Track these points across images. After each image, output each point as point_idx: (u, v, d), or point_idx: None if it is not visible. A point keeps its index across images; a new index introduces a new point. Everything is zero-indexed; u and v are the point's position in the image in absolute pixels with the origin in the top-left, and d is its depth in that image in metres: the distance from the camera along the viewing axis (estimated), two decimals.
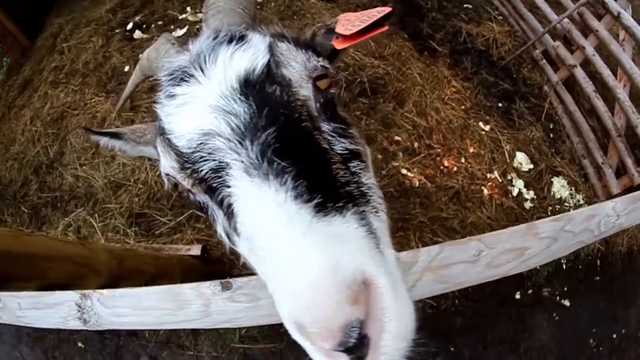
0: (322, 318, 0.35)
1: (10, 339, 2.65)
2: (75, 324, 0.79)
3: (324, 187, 0.44)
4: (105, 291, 0.76)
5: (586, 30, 2.94)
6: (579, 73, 2.91)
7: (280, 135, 0.46)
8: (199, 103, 0.50)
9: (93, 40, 3.61)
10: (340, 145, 0.53)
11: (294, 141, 0.47)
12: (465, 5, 3.58)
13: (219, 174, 0.47)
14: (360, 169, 0.52)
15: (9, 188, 3.13)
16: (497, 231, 0.64)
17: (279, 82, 0.51)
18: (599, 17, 2.88)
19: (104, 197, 2.77)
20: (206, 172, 0.48)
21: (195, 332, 2.40)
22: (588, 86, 2.83)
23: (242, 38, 0.55)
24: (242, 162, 0.45)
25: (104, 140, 0.81)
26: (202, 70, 0.52)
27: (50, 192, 2.95)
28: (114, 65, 3.34)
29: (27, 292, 0.87)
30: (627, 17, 2.68)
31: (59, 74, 3.61)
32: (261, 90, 0.50)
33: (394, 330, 0.36)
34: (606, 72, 2.73)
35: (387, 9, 0.54)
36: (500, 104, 3.02)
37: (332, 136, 0.53)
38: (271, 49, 0.53)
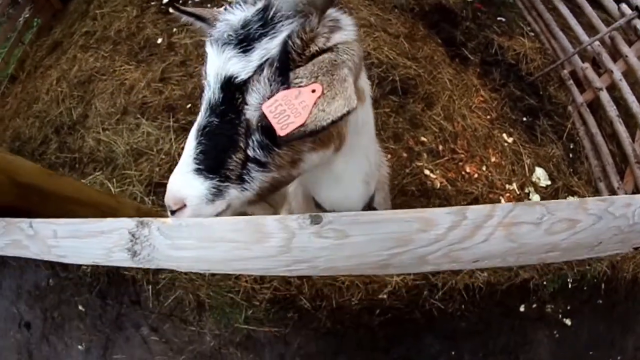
0: (166, 200, 0.68)
1: (9, 294, 2.66)
2: (120, 257, 0.70)
3: (212, 162, 0.67)
4: (168, 219, 0.68)
5: (616, 55, 2.95)
6: (604, 96, 2.92)
7: (216, 124, 0.67)
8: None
9: (127, 10, 3.64)
10: (253, 152, 0.68)
11: (220, 130, 0.66)
12: (499, 18, 3.60)
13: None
14: (255, 170, 0.70)
15: (28, 145, 3.14)
16: (556, 200, 0.72)
17: (243, 94, 0.64)
18: (630, 43, 2.88)
19: (124, 163, 2.78)
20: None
21: (200, 307, 2.42)
22: (612, 110, 2.84)
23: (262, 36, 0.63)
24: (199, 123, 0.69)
25: (186, 19, 0.81)
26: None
27: (70, 153, 2.96)
28: (147, 36, 3.36)
29: (67, 219, 0.77)
30: None
31: (89, 39, 3.63)
32: (229, 89, 0.65)
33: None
34: (631, 98, 2.73)
35: (318, 90, 0.56)
36: (524, 119, 3.05)
37: (254, 144, 0.68)
38: (260, 67, 0.62)
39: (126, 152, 2.82)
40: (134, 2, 3.68)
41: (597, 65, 3.15)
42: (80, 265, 2.55)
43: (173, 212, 0.68)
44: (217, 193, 0.67)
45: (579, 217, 0.70)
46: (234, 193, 0.69)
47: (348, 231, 0.63)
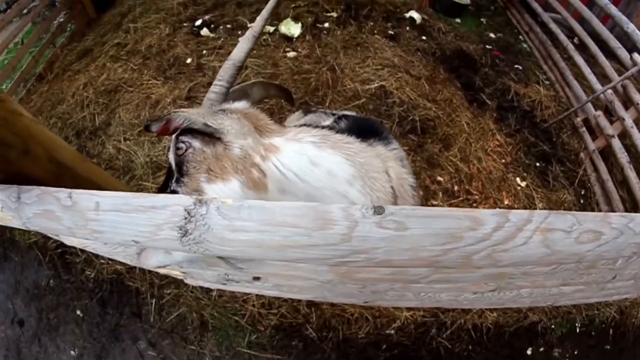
0: None
1: (6, 288, 2.61)
2: (167, 236, 0.65)
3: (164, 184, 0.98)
4: (229, 200, 0.65)
5: (627, 103, 3.02)
6: (616, 143, 2.97)
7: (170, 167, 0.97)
8: None
9: (160, 27, 3.77)
10: (174, 180, 0.94)
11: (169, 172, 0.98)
12: (516, 66, 3.73)
13: None
14: (174, 187, 0.93)
15: None
16: (583, 212, 0.73)
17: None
18: None
19: (142, 174, 2.80)
20: None
21: (203, 326, 2.39)
22: (623, 157, 2.88)
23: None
24: None
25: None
26: None
27: (88, 157, 2.99)
28: (177, 54, 3.47)
29: (113, 192, 0.72)
30: None
31: (120, 50, 3.73)
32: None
33: None
34: None
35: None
36: (537, 164, 3.11)
37: (176, 174, 0.93)
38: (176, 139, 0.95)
39: (145, 163, 2.85)
40: (167, 21, 3.83)
41: (609, 113, 3.21)
42: (84, 270, 2.55)
43: None
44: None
45: (603, 230, 0.74)
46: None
47: (407, 223, 0.64)
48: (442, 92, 3.09)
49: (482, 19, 4.42)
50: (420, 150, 2.68)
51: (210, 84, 3.21)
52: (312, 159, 0.90)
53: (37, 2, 4.63)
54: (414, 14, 3.86)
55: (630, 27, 3.16)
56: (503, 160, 2.96)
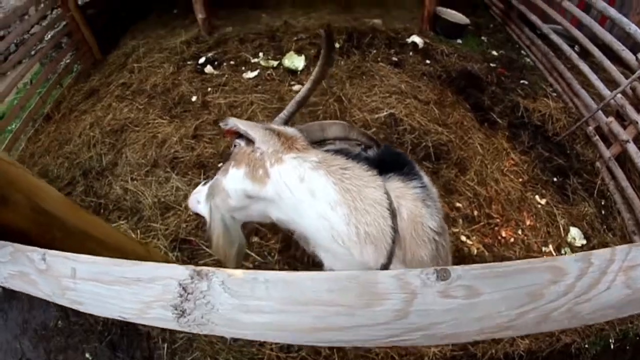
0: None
1: (14, 327, 2.51)
2: (160, 316, 0.53)
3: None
4: (239, 271, 0.52)
5: (639, 105, 2.93)
6: (632, 148, 2.89)
7: None
8: None
9: (164, 66, 3.82)
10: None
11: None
12: (522, 81, 3.70)
13: None
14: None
15: (54, 184, 3.11)
16: None
17: None
18: None
19: (150, 215, 2.75)
20: None
21: None
22: None
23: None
24: None
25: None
26: None
27: (95, 198, 2.93)
28: (182, 93, 3.49)
29: (92, 256, 0.61)
30: None
31: (125, 90, 3.78)
32: None
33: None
34: None
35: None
36: (555, 179, 3.04)
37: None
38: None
39: (153, 204, 2.80)
40: (171, 60, 3.88)
41: (621, 117, 3.14)
42: None
43: None
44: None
45: None
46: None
47: (479, 287, 0.53)
48: (452, 115, 3.05)
49: (482, 38, 4.45)
50: (436, 177, 2.62)
51: (216, 121, 3.20)
52: (301, 176, 1.02)
53: (44, 43, 4.85)
54: (415, 39, 3.89)
55: (632, 27, 3.09)
56: (520, 179, 2.87)
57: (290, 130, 1.17)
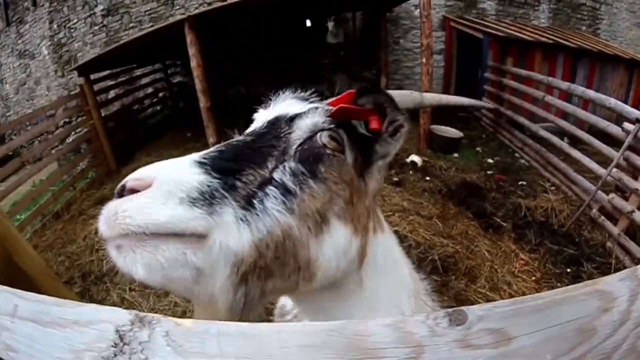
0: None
1: None
2: None
3: (223, 163, 0.55)
4: (188, 321, 0.42)
5: (635, 172, 3.08)
6: (638, 216, 2.97)
7: (248, 140, 0.63)
8: (257, 120, 0.73)
9: None
10: (281, 175, 0.58)
11: (250, 145, 0.61)
12: (520, 183, 4.11)
13: None
14: (273, 199, 0.55)
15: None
16: None
17: (290, 123, 0.66)
18: None
19: None
20: None
21: None
22: None
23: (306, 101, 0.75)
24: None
25: None
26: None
27: (90, 302, 2.72)
28: None
29: (38, 294, 0.52)
30: None
31: None
32: (277, 122, 0.67)
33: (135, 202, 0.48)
34: None
35: (351, 92, 0.68)
36: (568, 269, 3.13)
37: (286, 169, 0.59)
38: (306, 111, 0.68)
39: None
40: None
41: (621, 191, 3.28)
42: None
43: (120, 194, 0.49)
44: (208, 198, 0.49)
45: None
46: (228, 216, 0.50)
47: (510, 329, 0.40)
48: (456, 226, 3.38)
49: (477, 148, 5.05)
50: (446, 290, 2.79)
51: None
52: (396, 256, 0.79)
53: (64, 145, 5.40)
54: (414, 158, 4.45)
55: (612, 101, 3.46)
56: (533, 278, 3.07)
57: None
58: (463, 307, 0.40)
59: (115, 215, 0.46)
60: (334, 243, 0.59)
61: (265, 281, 0.54)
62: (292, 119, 0.65)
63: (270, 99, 0.74)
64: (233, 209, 0.51)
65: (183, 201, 0.48)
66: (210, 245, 0.48)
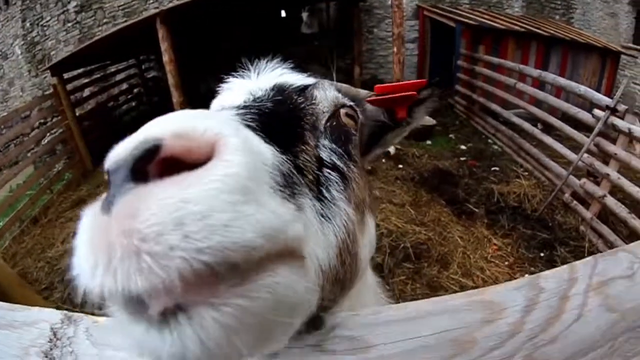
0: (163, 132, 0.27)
1: None
2: None
3: (281, 130, 0.42)
4: (102, 319, 0.47)
5: (606, 158, 3.11)
6: (610, 201, 3.00)
7: (270, 107, 0.47)
8: (239, 89, 0.58)
9: None
10: (331, 158, 0.48)
11: (279, 112, 0.47)
12: (493, 168, 4.10)
13: None
14: (335, 185, 0.45)
15: (32, 286, 3.10)
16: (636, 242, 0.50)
17: (305, 94, 0.54)
18: (614, 142, 3.07)
19: None
20: None
21: None
22: (621, 210, 2.88)
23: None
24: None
25: None
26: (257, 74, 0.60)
27: (71, 306, 2.82)
28: None
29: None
30: (638, 129, 2.81)
31: None
32: (285, 91, 0.54)
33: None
34: (635, 189, 2.80)
35: (422, 82, 0.61)
36: (542, 254, 3.14)
37: (326, 148, 0.49)
38: (317, 83, 0.58)
39: None
40: None
41: (593, 176, 3.31)
42: None
43: (137, 174, 0.26)
44: (289, 184, 0.35)
45: None
46: (310, 213, 0.37)
47: (369, 338, 0.38)
48: (429, 213, 3.35)
49: (450, 135, 5.03)
50: (419, 277, 2.77)
51: None
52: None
53: (40, 147, 5.30)
54: None
55: (582, 88, 3.51)
56: (506, 262, 3.06)
57: None
58: (321, 314, 0.38)
59: (150, 242, 0.23)
60: (370, 234, 0.51)
61: (340, 296, 0.43)
62: (303, 89, 0.55)
63: (248, 68, 0.61)
64: (310, 200, 0.38)
65: (275, 191, 0.30)
66: (309, 264, 0.33)
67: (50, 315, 0.49)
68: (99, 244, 0.25)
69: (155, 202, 0.24)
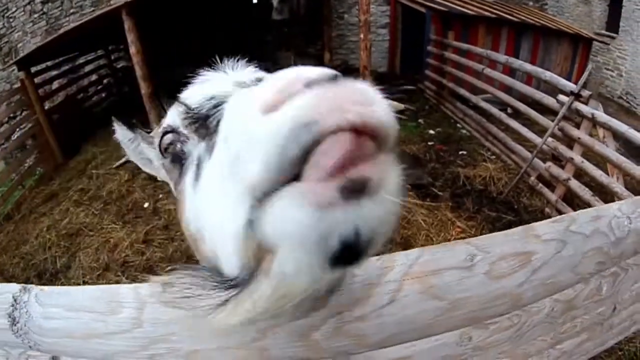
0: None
1: None
2: (2, 325, 0.63)
3: None
4: (46, 287, 0.65)
5: (571, 142, 3.15)
6: (574, 184, 3.03)
7: None
8: (219, 79, 0.56)
9: (120, 174, 3.97)
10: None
11: None
12: (460, 152, 3.97)
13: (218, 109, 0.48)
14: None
15: (9, 283, 3.09)
16: (487, 234, 0.57)
17: None
18: (578, 126, 3.09)
19: None
20: (208, 110, 0.49)
21: None
22: (585, 193, 2.91)
23: None
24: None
25: (120, 131, 0.71)
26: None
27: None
28: (135, 199, 3.61)
29: None
30: (601, 115, 2.85)
31: (83, 196, 3.91)
32: None
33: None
34: (598, 173, 2.83)
35: None
36: None
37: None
38: None
39: None
40: (127, 167, 4.03)
41: (557, 159, 3.34)
42: None
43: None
44: None
45: (530, 248, 0.56)
46: None
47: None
48: None
49: (420, 120, 4.89)
50: None
51: (165, 226, 3.22)
52: None
53: (9, 142, 4.98)
54: None
55: (547, 74, 3.50)
56: None
57: None
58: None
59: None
60: None
61: None
62: None
63: (218, 64, 0.59)
64: None
65: None
66: None
67: (13, 288, 0.65)
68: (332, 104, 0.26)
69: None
